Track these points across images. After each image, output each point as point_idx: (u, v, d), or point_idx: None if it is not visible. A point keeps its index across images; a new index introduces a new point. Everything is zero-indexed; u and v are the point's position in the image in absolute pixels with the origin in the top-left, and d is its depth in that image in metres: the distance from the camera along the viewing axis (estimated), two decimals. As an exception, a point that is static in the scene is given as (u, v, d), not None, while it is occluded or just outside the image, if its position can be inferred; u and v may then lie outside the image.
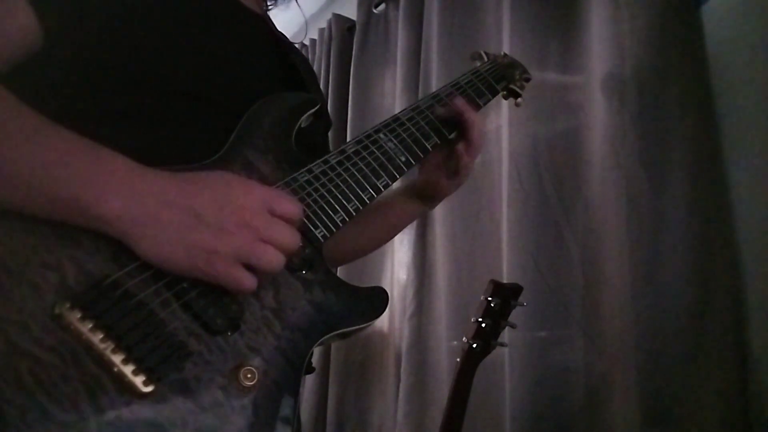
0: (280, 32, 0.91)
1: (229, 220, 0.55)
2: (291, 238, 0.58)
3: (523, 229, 1.44)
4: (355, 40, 2.26)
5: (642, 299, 1.22)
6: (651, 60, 1.27)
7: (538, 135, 1.49)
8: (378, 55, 2.21)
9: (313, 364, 0.80)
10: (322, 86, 2.43)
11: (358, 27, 2.27)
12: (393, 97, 2.05)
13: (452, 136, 0.87)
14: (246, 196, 0.57)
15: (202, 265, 0.54)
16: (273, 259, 0.56)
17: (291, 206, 0.59)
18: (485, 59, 1.01)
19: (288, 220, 0.58)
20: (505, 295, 1.17)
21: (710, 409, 1.11)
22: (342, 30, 2.40)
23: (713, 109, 1.21)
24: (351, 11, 2.35)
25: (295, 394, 0.59)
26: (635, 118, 1.28)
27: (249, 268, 0.56)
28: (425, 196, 0.95)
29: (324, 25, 2.52)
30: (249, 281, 0.56)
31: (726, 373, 1.11)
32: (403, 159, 0.79)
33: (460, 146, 0.87)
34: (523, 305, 1.19)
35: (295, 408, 0.59)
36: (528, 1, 1.54)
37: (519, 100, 1.02)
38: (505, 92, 1.00)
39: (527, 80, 1.04)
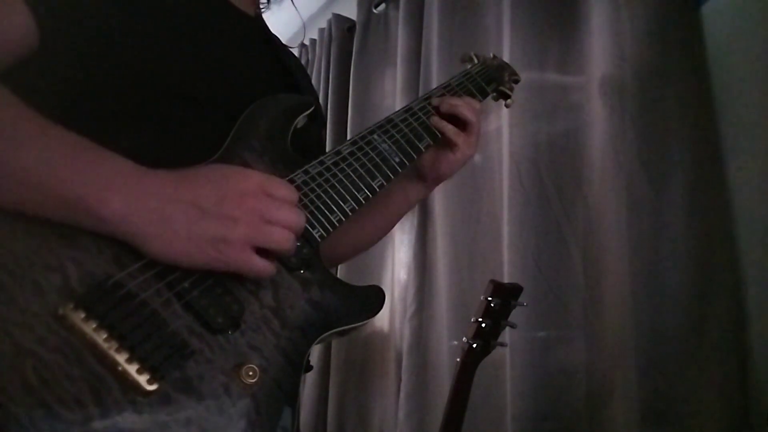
0: (273, 33, 0.91)
1: (233, 207, 0.55)
2: (296, 217, 0.59)
3: (524, 229, 1.45)
4: (355, 40, 2.26)
5: (642, 299, 1.22)
6: (651, 60, 1.27)
7: (538, 135, 1.49)
8: (378, 55, 2.21)
9: (312, 363, 0.81)
10: (321, 86, 2.43)
11: (358, 27, 2.27)
12: (393, 97, 2.05)
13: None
14: (244, 183, 0.58)
15: (215, 255, 0.55)
16: (283, 239, 0.57)
17: (286, 189, 0.60)
18: (475, 61, 1.03)
19: (287, 203, 0.59)
20: (505, 295, 1.17)
21: (710, 409, 1.11)
22: (342, 30, 2.40)
23: (713, 109, 1.21)
24: (351, 11, 2.35)
25: (296, 391, 0.60)
26: (635, 118, 1.28)
27: (261, 253, 0.57)
28: (425, 177, 0.93)
29: (324, 25, 2.52)
30: (265, 264, 0.57)
31: (726, 373, 1.11)
32: (397, 160, 0.80)
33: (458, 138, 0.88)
34: (524, 305, 1.19)
35: (296, 405, 0.59)
36: (528, 1, 1.54)
37: (509, 101, 1.04)
38: (495, 94, 1.02)
39: (516, 82, 1.05)
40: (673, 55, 1.25)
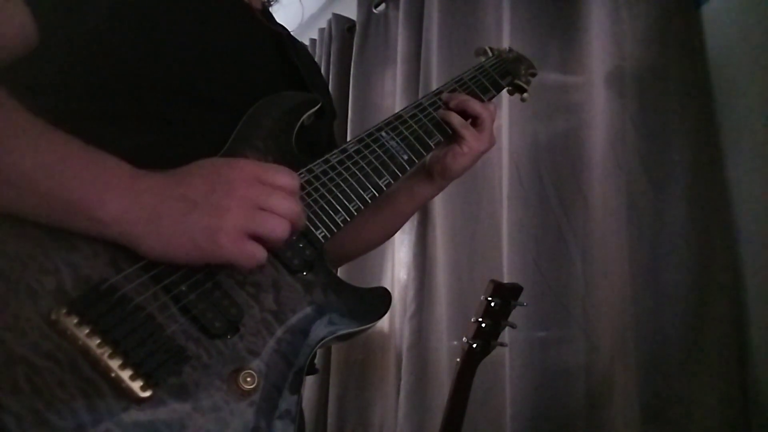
0: (281, 26, 0.89)
1: (224, 197, 0.54)
2: (291, 205, 0.57)
3: (524, 229, 1.45)
4: (355, 40, 2.26)
5: (642, 299, 1.22)
6: (651, 60, 1.27)
7: (538, 135, 1.49)
8: (378, 55, 2.21)
9: (316, 365, 0.80)
10: (322, 86, 2.42)
11: (358, 27, 2.26)
12: (393, 97, 2.05)
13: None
14: (234, 171, 0.56)
15: (208, 246, 0.53)
16: (276, 226, 0.55)
17: (283, 176, 0.58)
18: (490, 55, 1.00)
19: (284, 191, 0.57)
20: (505, 295, 1.17)
21: (710, 409, 1.11)
22: (342, 30, 2.40)
23: (713, 109, 1.21)
24: (351, 11, 2.35)
25: (297, 397, 0.58)
26: (635, 118, 1.28)
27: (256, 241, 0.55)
28: (431, 173, 0.91)
29: (324, 25, 2.52)
30: (258, 251, 0.55)
31: (726, 373, 1.11)
32: (405, 157, 0.78)
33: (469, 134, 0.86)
34: (524, 305, 1.19)
35: (297, 412, 0.58)
36: (528, 1, 1.54)
37: (525, 95, 1.01)
38: (510, 88, 0.99)
39: (533, 75, 1.02)
40: (673, 55, 1.25)
